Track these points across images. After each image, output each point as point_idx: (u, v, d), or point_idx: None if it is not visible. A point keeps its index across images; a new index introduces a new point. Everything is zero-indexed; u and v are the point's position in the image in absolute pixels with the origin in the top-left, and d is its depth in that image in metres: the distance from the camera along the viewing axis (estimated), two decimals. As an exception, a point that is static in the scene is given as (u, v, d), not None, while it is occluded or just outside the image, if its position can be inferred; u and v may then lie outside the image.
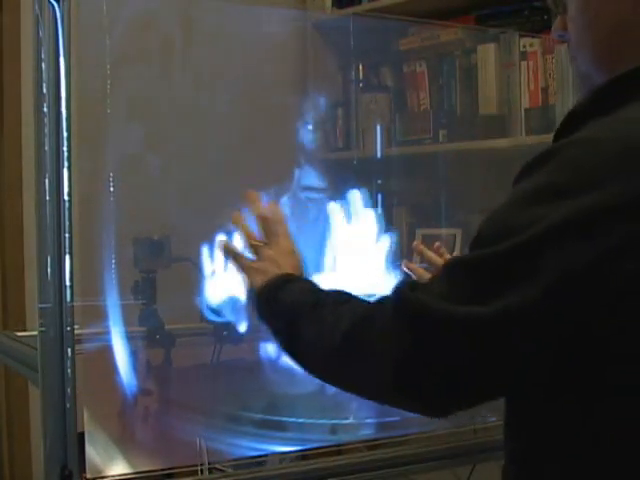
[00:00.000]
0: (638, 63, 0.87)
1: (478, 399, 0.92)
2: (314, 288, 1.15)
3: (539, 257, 0.80)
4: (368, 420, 1.88)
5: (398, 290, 0.93)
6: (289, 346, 1.12)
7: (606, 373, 0.83)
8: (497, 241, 0.83)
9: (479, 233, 0.88)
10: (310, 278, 1.27)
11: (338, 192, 2.07)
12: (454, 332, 0.84)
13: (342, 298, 1.05)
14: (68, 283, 1.34)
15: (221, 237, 1.45)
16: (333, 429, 1.83)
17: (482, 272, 0.85)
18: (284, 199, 1.99)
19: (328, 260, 1.95)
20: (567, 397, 0.86)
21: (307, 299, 1.09)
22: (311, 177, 2.00)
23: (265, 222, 1.34)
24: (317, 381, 1.51)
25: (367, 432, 1.85)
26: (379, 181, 2.33)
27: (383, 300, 0.94)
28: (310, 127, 1.98)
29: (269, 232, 1.32)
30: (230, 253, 1.38)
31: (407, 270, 1.66)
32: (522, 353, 0.84)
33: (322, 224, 2.01)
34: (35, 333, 1.37)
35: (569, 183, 0.81)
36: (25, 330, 1.94)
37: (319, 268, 1.95)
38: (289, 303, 1.12)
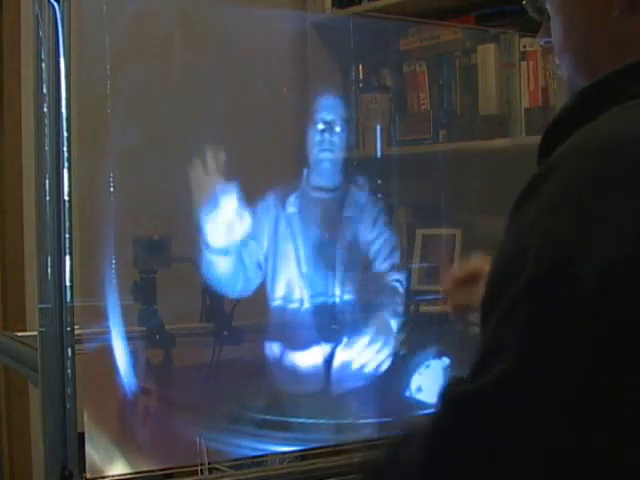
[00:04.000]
0: (617, 65, 0.85)
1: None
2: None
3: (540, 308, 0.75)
4: (368, 420, 1.88)
5: (443, 392, 0.84)
6: None
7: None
8: (497, 297, 0.78)
9: (486, 290, 0.82)
10: None
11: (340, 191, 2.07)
12: (491, 411, 0.78)
13: (410, 434, 0.94)
14: (68, 283, 1.34)
15: None
16: (337, 428, 1.83)
17: (496, 336, 0.79)
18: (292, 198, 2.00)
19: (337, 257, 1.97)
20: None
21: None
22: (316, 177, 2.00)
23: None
24: (317, 381, 1.51)
25: (367, 432, 1.85)
26: (379, 181, 2.33)
27: (437, 408, 0.86)
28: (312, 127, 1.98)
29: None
30: None
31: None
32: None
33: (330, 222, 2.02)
34: (35, 333, 1.37)
35: (568, 210, 0.76)
36: (25, 330, 1.94)
37: (327, 265, 1.97)
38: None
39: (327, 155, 1.98)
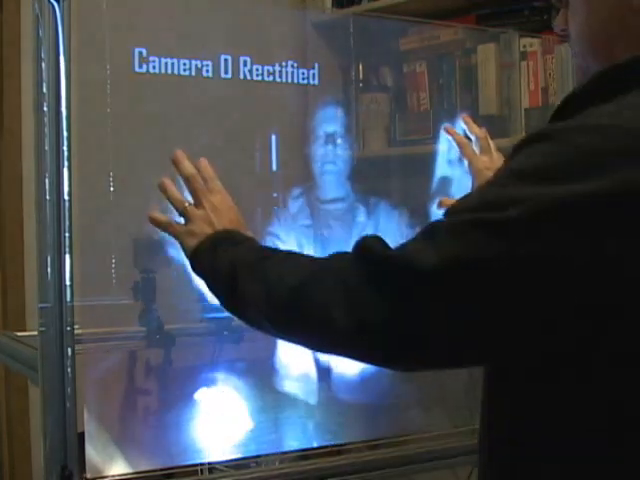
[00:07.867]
0: (637, 51, 0.87)
1: (442, 360, 0.87)
2: (256, 245, 1.13)
3: (524, 236, 0.78)
4: (368, 420, 1.88)
5: (363, 240, 0.89)
6: (231, 303, 1.09)
7: (603, 343, 0.79)
8: (485, 210, 0.81)
9: (466, 199, 0.88)
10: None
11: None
12: (417, 281, 0.81)
13: (288, 254, 1.04)
14: (68, 283, 1.34)
15: (153, 208, 1.32)
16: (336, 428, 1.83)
17: (461, 236, 0.81)
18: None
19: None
20: (558, 373, 0.83)
21: (248, 255, 1.06)
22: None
23: (192, 181, 1.27)
24: (317, 382, 1.49)
25: (366, 432, 1.86)
26: (379, 181, 2.33)
27: (341, 252, 0.92)
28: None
29: (197, 191, 1.26)
30: (161, 224, 1.28)
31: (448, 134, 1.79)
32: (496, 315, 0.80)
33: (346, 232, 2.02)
34: (35, 333, 1.37)
35: (571, 167, 0.79)
36: (25, 330, 1.94)
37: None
38: (228, 260, 1.08)
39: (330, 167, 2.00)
